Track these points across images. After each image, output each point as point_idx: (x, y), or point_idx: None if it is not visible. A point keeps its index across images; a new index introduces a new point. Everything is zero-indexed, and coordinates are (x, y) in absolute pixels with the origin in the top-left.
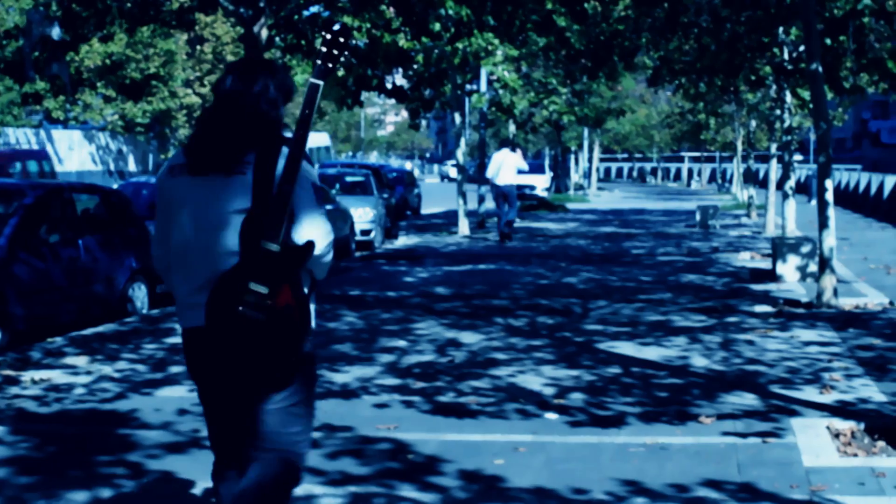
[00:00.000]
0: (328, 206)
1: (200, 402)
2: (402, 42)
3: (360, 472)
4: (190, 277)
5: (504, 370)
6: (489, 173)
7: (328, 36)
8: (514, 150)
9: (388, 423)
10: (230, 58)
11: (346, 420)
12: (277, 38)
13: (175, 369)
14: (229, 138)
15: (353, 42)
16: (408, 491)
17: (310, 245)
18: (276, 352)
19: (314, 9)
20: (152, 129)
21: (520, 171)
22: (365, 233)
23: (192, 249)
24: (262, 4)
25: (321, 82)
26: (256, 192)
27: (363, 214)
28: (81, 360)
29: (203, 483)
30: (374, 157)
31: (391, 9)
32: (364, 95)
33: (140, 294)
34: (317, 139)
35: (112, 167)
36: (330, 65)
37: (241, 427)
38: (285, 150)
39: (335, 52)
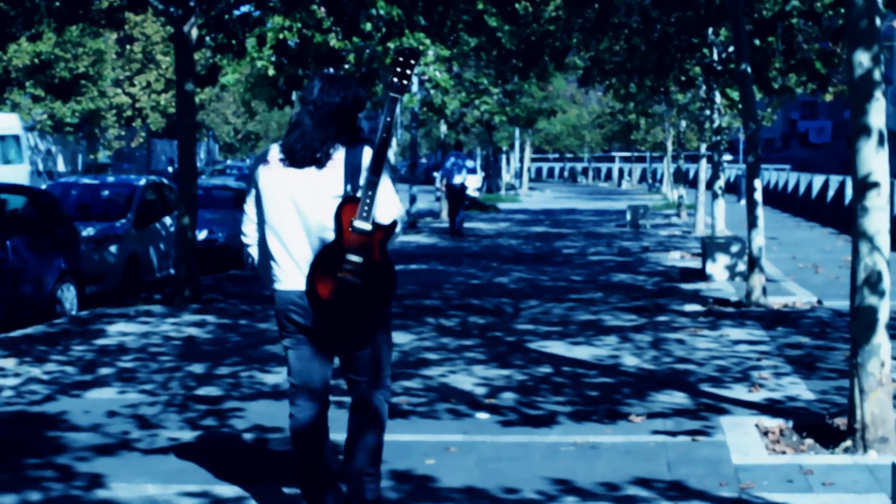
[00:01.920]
0: None
1: (290, 352)
2: (333, 42)
3: (292, 473)
4: (291, 250)
5: (435, 370)
6: (441, 174)
7: (400, 58)
8: (460, 150)
9: None
10: (160, 57)
11: (278, 421)
12: (208, 38)
13: (105, 371)
14: (323, 139)
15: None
16: None
17: (394, 224)
18: (371, 308)
19: (244, 8)
20: (81, 129)
21: (470, 171)
22: None
23: (294, 228)
24: (192, 4)
25: (399, 96)
26: (348, 182)
27: None
28: (9, 362)
29: (133, 485)
30: None
31: (322, 8)
32: (295, 95)
33: (69, 295)
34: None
35: (41, 167)
36: (404, 81)
37: (326, 368)
38: (367, 148)
39: (408, 71)
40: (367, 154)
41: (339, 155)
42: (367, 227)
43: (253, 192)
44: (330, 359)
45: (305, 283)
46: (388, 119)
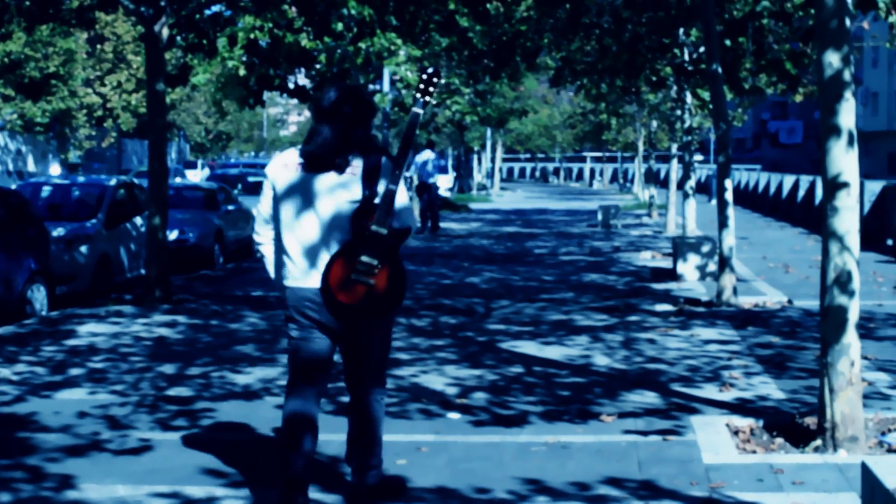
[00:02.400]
0: (230, 207)
1: (297, 344)
2: (304, 42)
3: (263, 474)
4: (307, 250)
5: (407, 370)
6: (415, 172)
7: (424, 76)
8: (433, 149)
9: None
10: (131, 57)
11: (248, 421)
12: (179, 38)
13: (75, 371)
14: (341, 147)
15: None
16: (310, 492)
17: (408, 230)
18: (383, 308)
19: (215, 8)
20: (52, 129)
21: (441, 170)
22: None
23: (311, 229)
24: (162, 3)
25: (421, 111)
26: (366, 189)
27: None
28: None
29: (103, 486)
30: None
31: (293, 8)
32: (266, 95)
33: (39, 296)
34: None
35: (10, 167)
36: (426, 98)
37: (328, 364)
38: (384, 159)
39: (430, 88)
40: (384, 163)
41: (357, 162)
42: (384, 231)
43: (269, 193)
44: (331, 355)
45: (321, 281)
46: (410, 133)
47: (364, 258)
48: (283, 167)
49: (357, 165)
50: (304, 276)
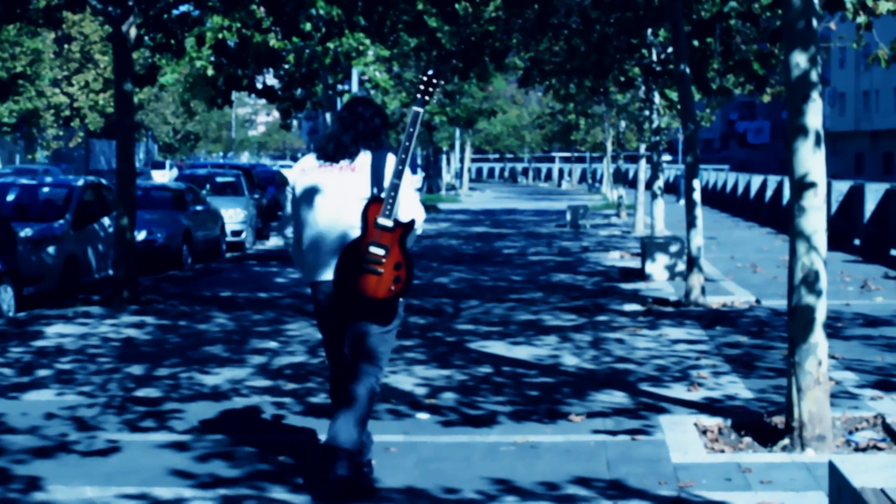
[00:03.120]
0: (199, 207)
1: (322, 332)
2: (272, 42)
3: (231, 475)
4: (323, 246)
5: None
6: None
7: (425, 77)
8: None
9: (259, 424)
10: (98, 57)
11: (217, 422)
12: (146, 38)
13: (42, 373)
14: (352, 140)
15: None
16: (279, 493)
17: (413, 221)
18: (390, 296)
19: (183, 8)
20: (19, 129)
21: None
22: (236, 233)
23: (326, 225)
24: (130, 3)
25: (422, 109)
26: (374, 185)
27: (234, 215)
28: None
29: (71, 487)
30: (245, 158)
31: (261, 8)
32: (235, 95)
33: (6, 296)
34: None
35: None
36: (427, 98)
37: (349, 345)
38: (390, 155)
39: (431, 89)
40: (390, 160)
41: (365, 158)
42: (389, 223)
43: (290, 194)
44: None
45: (334, 272)
46: (412, 129)
47: (372, 249)
48: (301, 171)
49: (366, 163)
50: (322, 270)
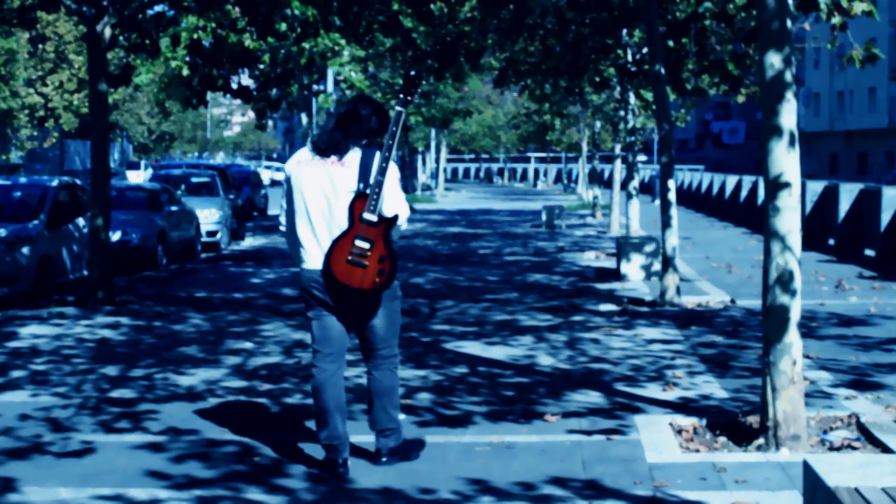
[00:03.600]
0: (173, 208)
1: (313, 322)
2: (247, 42)
3: (207, 476)
4: (315, 236)
5: (351, 371)
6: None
7: (407, 77)
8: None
9: (235, 425)
10: (73, 57)
11: (192, 423)
12: (121, 38)
13: (17, 374)
14: (343, 135)
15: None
16: (255, 493)
17: (396, 217)
18: (375, 285)
19: (158, 8)
20: None
21: None
22: (211, 234)
23: (318, 217)
24: (105, 3)
25: (404, 109)
26: (361, 180)
27: (209, 216)
28: None
29: (46, 489)
30: (220, 158)
31: (236, 8)
32: (210, 95)
33: None
34: None
35: None
36: (409, 98)
37: (343, 336)
38: (378, 153)
39: (412, 89)
40: (377, 158)
41: (355, 154)
42: (374, 218)
43: (286, 185)
44: (346, 329)
45: (322, 263)
46: (395, 128)
47: (357, 242)
48: (297, 163)
49: (355, 158)
50: (312, 259)
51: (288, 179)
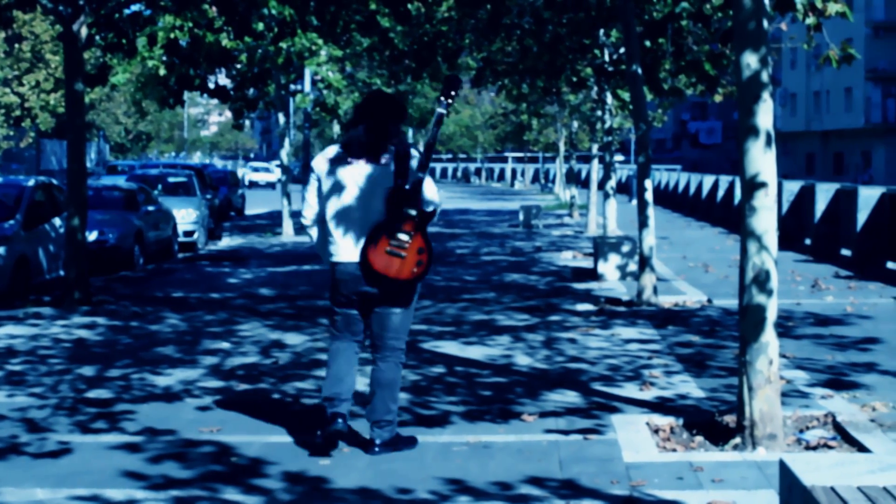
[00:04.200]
0: (150, 207)
1: (339, 315)
2: (224, 41)
3: (184, 476)
4: (347, 230)
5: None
6: None
7: (447, 82)
8: None
9: (212, 425)
10: (49, 56)
11: (169, 423)
12: (98, 37)
13: None
14: (374, 140)
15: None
16: (232, 494)
17: (434, 211)
18: (413, 275)
19: (135, 7)
20: None
21: None
22: (188, 234)
23: (351, 212)
24: (81, 2)
25: (444, 112)
26: (399, 177)
27: (186, 215)
28: None
29: (22, 489)
30: (197, 158)
31: (213, 8)
32: (187, 95)
33: None
34: None
35: None
36: (449, 100)
37: (365, 321)
38: (414, 152)
39: (452, 92)
40: (412, 154)
41: (388, 154)
42: (414, 212)
43: (314, 183)
44: (365, 321)
45: (360, 254)
46: (436, 129)
47: (398, 234)
48: (326, 161)
49: (389, 157)
50: (345, 253)
51: (318, 178)
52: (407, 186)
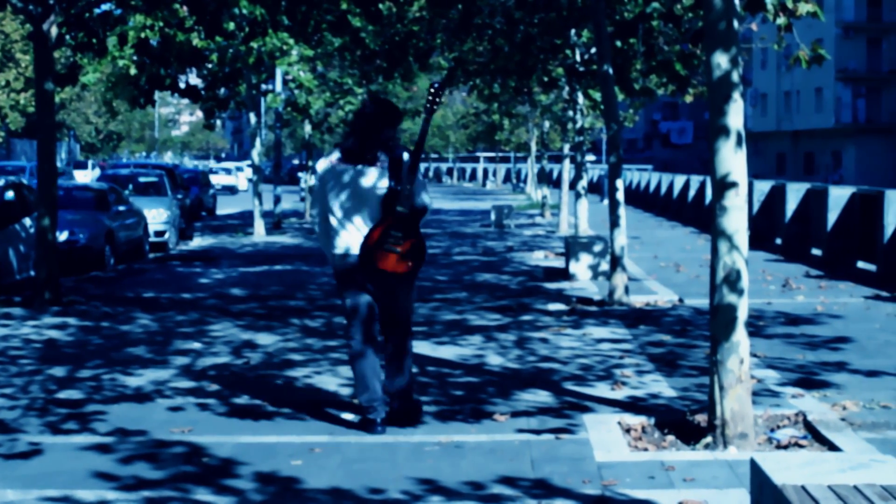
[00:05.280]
0: (121, 208)
1: (348, 301)
2: (195, 41)
3: (155, 477)
4: (351, 228)
5: (300, 371)
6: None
7: (432, 89)
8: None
9: (183, 426)
10: (19, 56)
11: (140, 424)
12: (68, 37)
13: None
14: (371, 144)
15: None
16: (203, 494)
17: (425, 209)
18: (408, 270)
19: (105, 6)
20: None
21: None
22: (159, 234)
23: (353, 211)
24: (51, 2)
25: (430, 117)
26: (392, 178)
27: (157, 215)
28: None
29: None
30: (168, 158)
31: (184, 7)
32: (157, 95)
33: None
34: None
35: None
36: (434, 107)
37: (374, 313)
38: (405, 153)
39: (437, 99)
40: (404, 158)
41: (383, 158)
42: (406, 212)
43: (320, 184)
44: (374, 302)
45: (360, 250)
46: (422, 132)
47: (393, 232)
48: (330, 165)
49: (384, 160)
50: (347, 248)
51: (322, 182)
52: (399, 188)
